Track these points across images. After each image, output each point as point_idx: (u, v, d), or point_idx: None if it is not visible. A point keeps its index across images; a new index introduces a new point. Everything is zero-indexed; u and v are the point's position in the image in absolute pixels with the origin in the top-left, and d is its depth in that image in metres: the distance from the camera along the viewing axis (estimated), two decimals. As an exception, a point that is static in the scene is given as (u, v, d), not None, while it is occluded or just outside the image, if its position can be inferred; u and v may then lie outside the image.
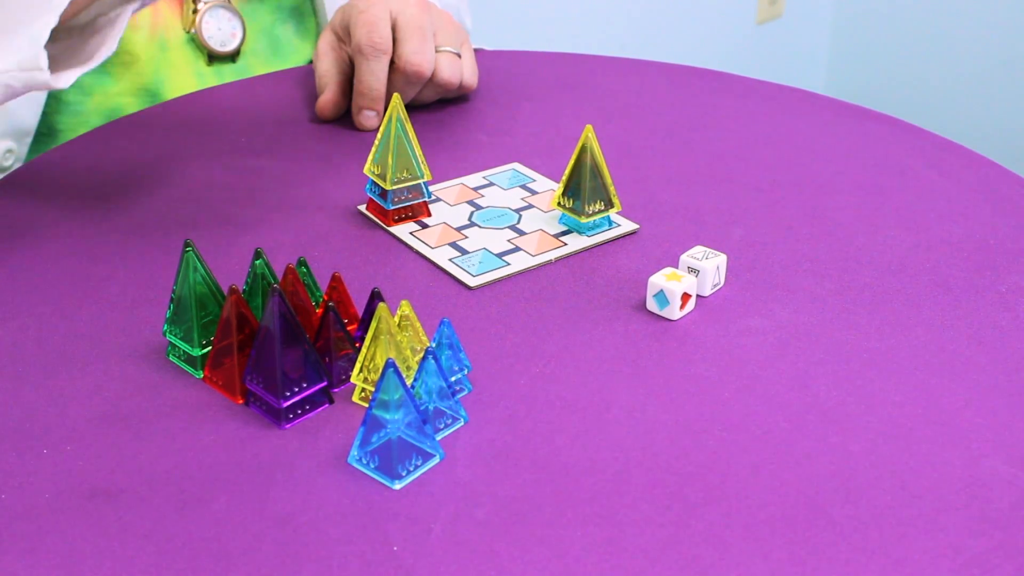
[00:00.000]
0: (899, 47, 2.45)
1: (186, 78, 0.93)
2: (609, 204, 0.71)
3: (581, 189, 0.69)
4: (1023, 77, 2.27)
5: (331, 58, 0.87)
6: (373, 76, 0.84)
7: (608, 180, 0.70)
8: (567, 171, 0.70)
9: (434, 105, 0.89)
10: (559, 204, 0.71)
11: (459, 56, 0.87)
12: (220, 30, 0.94)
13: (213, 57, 0.94)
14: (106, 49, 0.68)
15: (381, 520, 0.48)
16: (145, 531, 0.48)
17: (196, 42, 0.93)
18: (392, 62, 0.84)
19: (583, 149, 0.68)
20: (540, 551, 0.47)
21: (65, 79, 0.66)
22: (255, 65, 0.97)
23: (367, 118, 0.85)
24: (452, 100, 0.91)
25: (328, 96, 0.86)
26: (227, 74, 0.95)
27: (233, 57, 0.95)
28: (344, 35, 0.87)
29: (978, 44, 2.31)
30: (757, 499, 0.50)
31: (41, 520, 0.48)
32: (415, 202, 0.72)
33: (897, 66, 2.47)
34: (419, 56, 0.83)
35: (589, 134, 0.68)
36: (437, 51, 0.85)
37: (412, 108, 0.88)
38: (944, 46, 2.37)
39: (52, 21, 0.63)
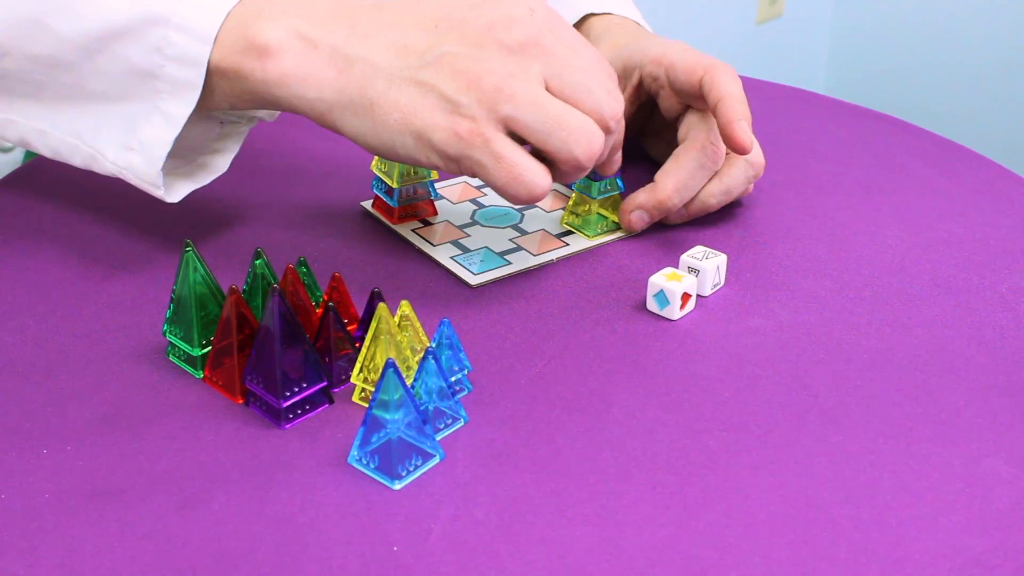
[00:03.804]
0: (899, 47, 2.45)
1: None
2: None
3: None
4: (1023, 77, 2.27)
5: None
6: (739, 89, 0.70)
7: None
8: None
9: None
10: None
11: None
12: None
13: None
14: (221, 165, 0.66)
15: (381, 520, 0.48)
16: (145, 531, 0.48)
17: None
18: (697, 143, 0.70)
19: None
20: (540, 551, 0.47)
21: (177, 194, 0.63)
22: None
23: (744, 131, 0.67)
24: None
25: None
26: None
27: None
28: (630, 71, 0.74)
29: (978, 44, 2.31)
30: (757, 499, 0.50)
31: (41, 520, 0.48)
32: (421, 200, 0.72)
33: (897, 66, 2.47)
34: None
35: None
36: None
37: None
38: (944, 46, 2.37)
39: (168, 142, 0.59)
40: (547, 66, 0.56)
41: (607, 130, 0.58)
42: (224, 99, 0.59)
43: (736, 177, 0.71)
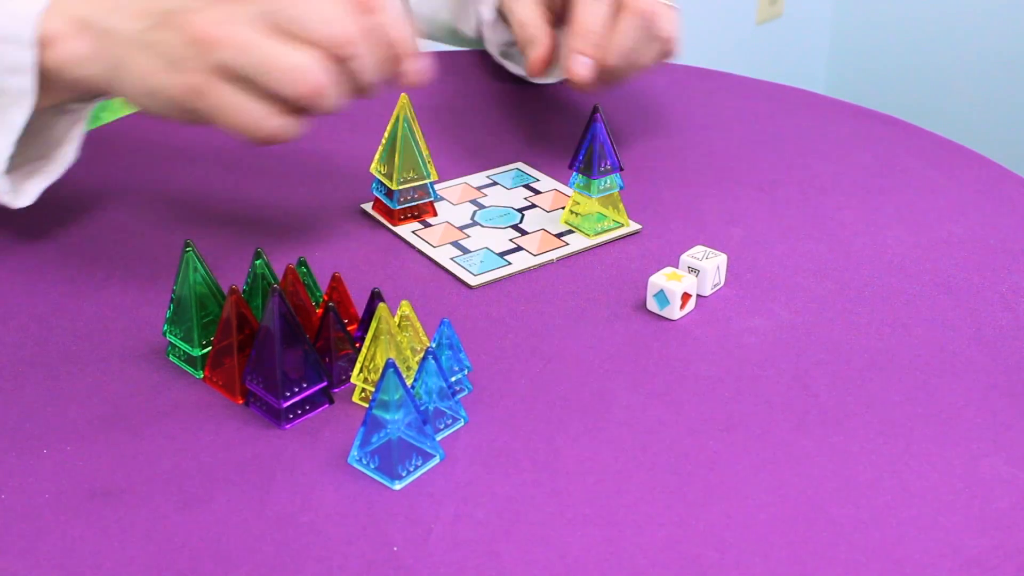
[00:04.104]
0: (899, 47, 2.45)
1: None
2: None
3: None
4: (1023, 77, 2.27)
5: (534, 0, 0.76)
6: (596, 17, 0.72)
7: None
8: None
9: (439, 103, 0.89)
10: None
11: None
12: None
13: None
14: (68, 154, 0.67)
15: (381, 520, 0.48)
16: (145, 531, 0.48)
17: None
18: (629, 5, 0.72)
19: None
20: (540, 551, 0.47)
21: (26, 196, 0.65)
22: None
23: (582, 65, 0.72)
24: (457, 98, 0.90)
25: (541, 53, 0.73)
26: None
27: None
28: None
29: (978, 44, 2.31)
30: (757, 499, 0.50)
31: (41, 520, 0.48)
32: (421, 202, 0.72)
33: (897, 66, 2.47)
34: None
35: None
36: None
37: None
38: (944, 46, 2.37)
39: (6, 147, 0.61)
40: (262, 6, 0.57)
41: (339, 58, 0.58)
42: (58, 95, 0.62)
43: (648, 54, 0.74)
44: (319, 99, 0.58)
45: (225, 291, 0.56)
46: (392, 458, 0.50)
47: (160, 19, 0.58)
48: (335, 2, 0.58)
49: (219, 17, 0.56)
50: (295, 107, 0.59)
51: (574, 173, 0.70)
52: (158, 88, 0.58)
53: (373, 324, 0.53)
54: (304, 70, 0.57)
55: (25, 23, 0.58)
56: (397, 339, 0.53)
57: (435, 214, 0.73)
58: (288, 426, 0.54)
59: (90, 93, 0.62)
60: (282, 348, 0.52)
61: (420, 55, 0.63)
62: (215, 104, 0.57)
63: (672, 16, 0.75)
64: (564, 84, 0.74)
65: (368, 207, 0.74)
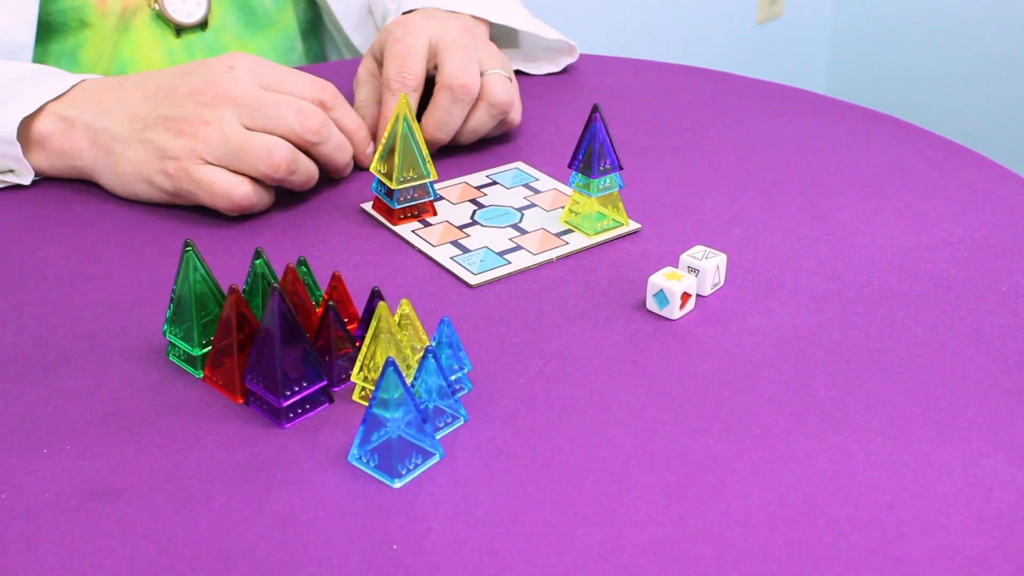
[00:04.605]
0: (899, 47, 2.45)
1: (153, 55, 0.93)
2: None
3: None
4: (1023, 77, 2.27)
5: (371, 86, 0.83)
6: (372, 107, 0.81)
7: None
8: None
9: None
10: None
11: (511, 80, 0.83)
12: (184, 1, 0.93)
13: (181, 30, 0.93)
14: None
15: (381, 519, 0.48)
16: (145, 531, 0.48)
17: (162, 17, 0.92)
18: (438, 83, 0.80)
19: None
20: (540, 551, 0.47)
21: None
22: (227, 38, 0.96)
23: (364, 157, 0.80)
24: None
25: (368, 135, 0.80)
26: (197, 48, 0.94)
27: (202, 26, 0.94)
28: (382, 61, 0.83)
29: (978, 44, 2.31)
30: (757, 499, 0.50)
31: (41, 520, 0.48)
32: (421, 201, 0.72)
33: (897, 66, 2.47)
34: (463, 71, 0.78)
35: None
36: (485, 73, 0.81)
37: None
38: (944, 46, 2.37)
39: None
40: (239, 109, 0.70)
41: (308, 144, 0.72)
42: (54, 173, 0.77)
43: (480, 119, 0.81)
44: (287, 175, 0.70)
45: (225, 291, 0.56)
46: (392, 456, 0.50)
47: (152, 122, 0.71)
48: (300, 102, 0.71)
49: (200, 119, 0.70)
50: (267, 184, 0.72)
51: (574, 172, 0.70)
52: (149, 174, 0.71)
53: (373, 323, 0.53)
54: (271, 149, 0.69)
55: (10, 127, 0.73)
56: (397, 338, 0.53)
57: (435, 213, 0.73)
58: (288, 425, 0.54)
59: (77, 177, 0.76)
60: (282, 347, 0.52)
61: (369, 142, 0.79)
62: (196, 181, 0.69)
63: (500, 83, 0.80)
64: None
65: (368, 206, 0.74)
